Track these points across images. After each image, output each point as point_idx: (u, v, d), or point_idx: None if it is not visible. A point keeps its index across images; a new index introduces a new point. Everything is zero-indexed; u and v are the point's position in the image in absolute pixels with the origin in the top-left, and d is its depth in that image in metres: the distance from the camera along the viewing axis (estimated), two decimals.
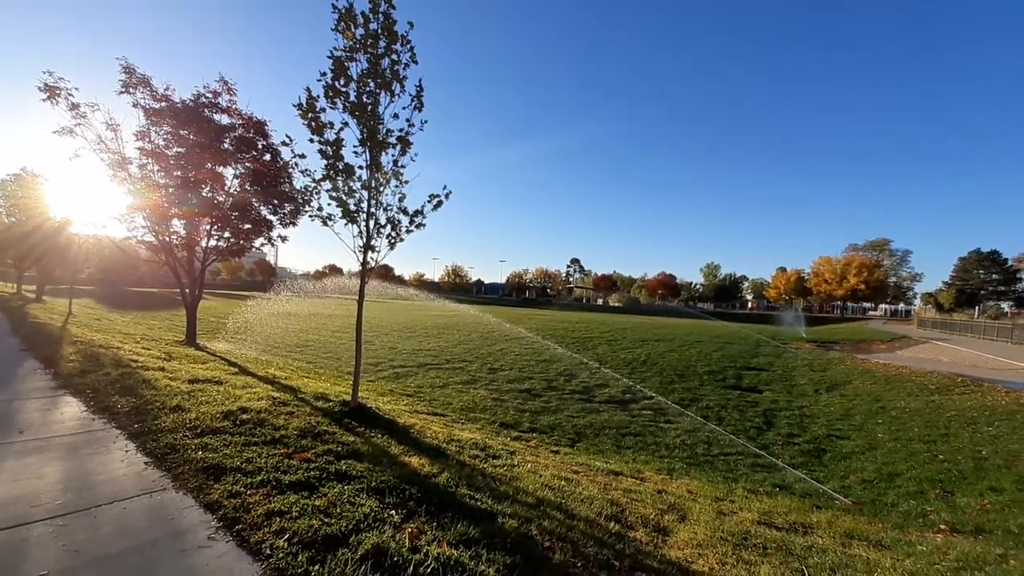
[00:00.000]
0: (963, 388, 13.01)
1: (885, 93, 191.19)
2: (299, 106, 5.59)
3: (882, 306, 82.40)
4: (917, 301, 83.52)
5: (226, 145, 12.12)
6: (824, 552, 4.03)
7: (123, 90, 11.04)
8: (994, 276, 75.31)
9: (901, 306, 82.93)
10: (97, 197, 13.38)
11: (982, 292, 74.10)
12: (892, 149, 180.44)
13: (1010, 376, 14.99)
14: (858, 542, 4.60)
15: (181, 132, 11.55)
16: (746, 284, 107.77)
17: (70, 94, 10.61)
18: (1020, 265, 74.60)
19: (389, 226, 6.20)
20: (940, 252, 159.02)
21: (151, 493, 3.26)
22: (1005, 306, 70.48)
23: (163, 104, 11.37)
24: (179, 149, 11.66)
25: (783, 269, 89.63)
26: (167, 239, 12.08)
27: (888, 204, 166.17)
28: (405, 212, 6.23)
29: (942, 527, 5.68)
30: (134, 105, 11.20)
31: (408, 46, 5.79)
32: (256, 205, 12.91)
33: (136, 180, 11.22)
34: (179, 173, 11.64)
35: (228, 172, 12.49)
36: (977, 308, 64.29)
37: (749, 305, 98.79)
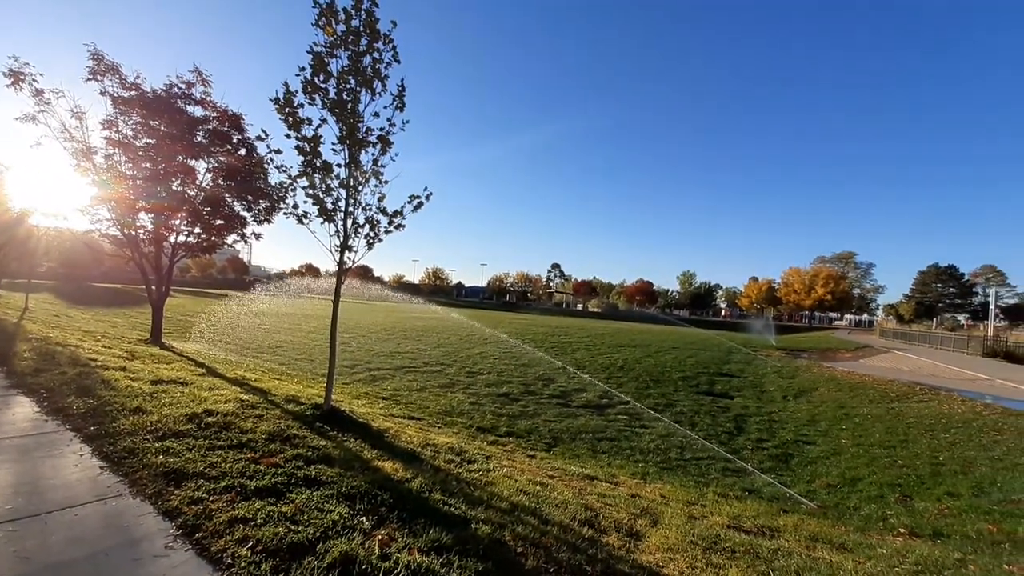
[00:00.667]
0: (921, 396, 13.59)
1: (862, 107, 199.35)
2: (276, 100, 5.47)
3: (847, 316, 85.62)
4: (879, 312, 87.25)
5: (199, 138, 11.77)
6: (790, 555, 4.12)
7: (90, 77, 10.64)
8: (951, 290, 79.25)
9: (864, 316, 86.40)
10: (60, 188, 12.85)
11: (940, 304, 77.85)
12: (859, 164, 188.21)
13: (965, 385, 15.73)
14: (822, 545, 4.73)
15: (151, 123, 11.17)
16: (720, 292, 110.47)
17: (35, 80, 10.17)
18: (975, 280, 78.71)
19: (367, 226, 6.10)
20: (901, 266, 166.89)
21: (106, 499, 3.10)
22: (961, 318, 74.18)
23: (132, 93, 10.99)
24: (148, 140, 11.26)
25: (755, 279, 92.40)
26: (133, 233, 11.63)
27: (854, 218, 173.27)
28: (384, 212, 6.14)
29: (901, 530, 5.89)
30: (101, 93, 10.80)
31: (391, 45, 5.73)
32: (229, 200, 12.56)
33: (101, 171, 10.78)
34: (148, 165, 11.23)
35: (200, 166, 12.14)
36: (935, 320, 67.42)
37: (722, 313, 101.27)
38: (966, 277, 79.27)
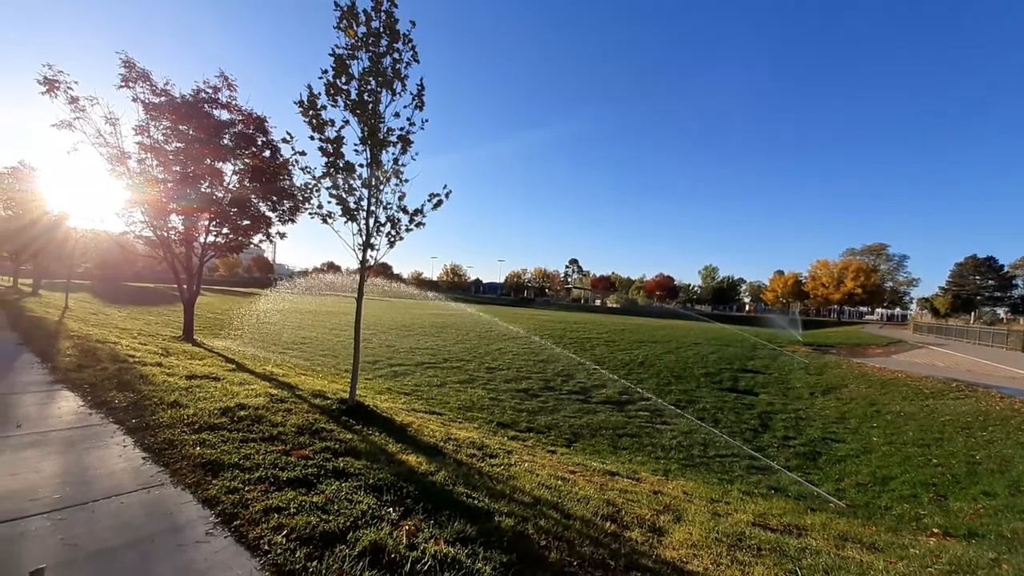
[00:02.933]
0: (958, 393, 13.08)
1: (885, 97, 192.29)
2: (300, 103, 5.60)
3: (878, 310, 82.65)
4: (913, 306, 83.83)
5: (225, 141, 12.09)
6: (818, 554, 4.06)
7: (122, 84, 11.02)
8: (990, 282, 75.71)
9: (897, 311, 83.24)
10: (95, 191, 13.41)
11: (978, 298, 74.47)
12: (891, 153, 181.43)
13: (1004, 382, 15.07)
14: (852, 544, 4.63)
15: (180, 127, 11.51)
16: (744, 287, 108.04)
17: (69, 87, 10.59)
18: (1016, 271, 75.01)
19: (389, 224, 6.21)
20: (937, 257, 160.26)
21: (149, 488, 3.26)
22: (1000, 312, 70.85)
23: (163, 99, 11.35)
24: (178, 144, 11.62)
25: (781, 272, 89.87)
26: (165, 234, 12.05)
27: (886, 209, 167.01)
28: (405, 211, 6.24)
29: (935, 530, 5.72)
30: (133, 99, 11.18)
31: (410, 45, 5.80)
32: (255, 201, 12.88)
33: (135, 175, 11.19)
34: (178, 168, 11.60)
35: (227, 168, 12.47)
36: (973, 314, 64.53)
37: (747, 308, 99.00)
38: (1006, 268, 75.58)
